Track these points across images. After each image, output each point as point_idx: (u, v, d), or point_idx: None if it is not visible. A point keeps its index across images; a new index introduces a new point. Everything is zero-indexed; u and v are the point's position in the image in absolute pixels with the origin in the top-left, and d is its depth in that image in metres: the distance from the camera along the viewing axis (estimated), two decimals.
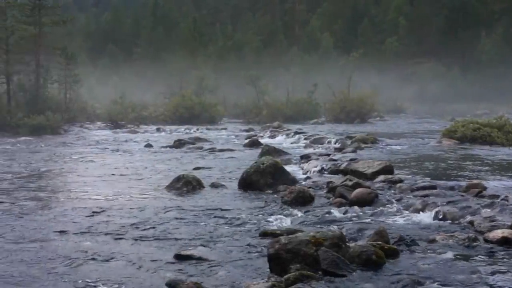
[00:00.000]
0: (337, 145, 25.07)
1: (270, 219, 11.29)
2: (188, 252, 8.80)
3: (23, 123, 41.83)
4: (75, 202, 13.89)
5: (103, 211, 12.56)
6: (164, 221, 11.36)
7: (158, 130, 44.03)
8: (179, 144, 29.02)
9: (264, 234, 9.82)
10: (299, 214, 11.66)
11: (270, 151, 21.95)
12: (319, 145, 26.61)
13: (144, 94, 70.68)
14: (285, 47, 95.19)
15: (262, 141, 29.93)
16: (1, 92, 49.67)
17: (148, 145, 29.53)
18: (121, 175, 19.14)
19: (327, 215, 11.31)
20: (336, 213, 11.42)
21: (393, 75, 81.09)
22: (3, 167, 21.82)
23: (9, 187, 16.67)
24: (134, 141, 33.60)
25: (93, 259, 8.78)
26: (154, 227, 10.86)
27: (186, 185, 15.22)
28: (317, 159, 19.61)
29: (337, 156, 20.40)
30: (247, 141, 30.18)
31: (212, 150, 26.20)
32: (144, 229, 10.70)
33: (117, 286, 7.48)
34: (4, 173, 19.95)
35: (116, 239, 10.05)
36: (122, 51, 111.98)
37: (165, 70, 77.21)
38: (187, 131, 42.33)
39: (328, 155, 20.88)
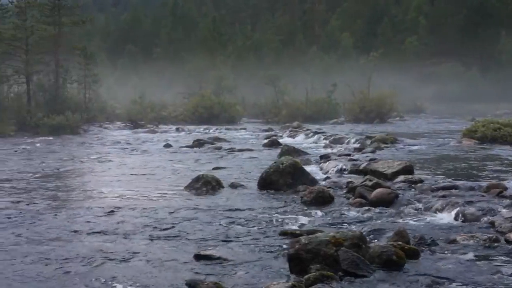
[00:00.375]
0: (357, 145, 25.00)
1: (289, 219, 11.27)
2: (207, 252, 8.80)
3: (43, 123, 42.01)
4: (94, 202, 13.95)
5: (122, 210, 12.62)
6: (183, 220, 11.38)
7: (177, 130, 44.06)
8: (198, 144, 29.03)
9: (284, 234, 9.83)
10: (319, 214, 11.64)
11: (290, 151, 21.86)
12: (339, 145, 26.54)
13: (163, 94, 70.60)
14: (304, 47, 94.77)
15: (281, 141, 29.86)
16: (21, 92, 50.02)
17: (167, 145, 29.55)
18: (140, 175, 19.18)
19: (346, 215, 11.29)
20: (356, 213, 11.39)
21: (413, 75, 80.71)
22: (22, 166, 21.95)
23: (28, 186, 16.78)
24: (153, 141, 33.63)
25: (112, 258, 8.81)
26: (173, 227, 10.89)
27: (205, 185, 15.19)
28: (337, 159, 19.52)
29: (357, 156, 20.36)
30: (266, 141, 30.14)
31: (231, 150, 26.20)
32: (164, 229, 10.73)
33: (136, 285, 7.50)
34: (24, 172, 20.07)
35: (135, 238, 10.08)
36: (141, 51, 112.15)
37: (184, 70, 77.21)
38: (206, 131, 42.33)
39: (348, 155, 20.83)
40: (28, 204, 13.63)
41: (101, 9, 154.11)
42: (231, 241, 9.72)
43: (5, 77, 48.68)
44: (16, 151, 28.91)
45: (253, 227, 10.77)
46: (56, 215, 12.26)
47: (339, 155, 20.85)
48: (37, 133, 40.55)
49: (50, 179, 18.37)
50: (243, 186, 15.64)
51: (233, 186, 15.60)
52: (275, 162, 16.20)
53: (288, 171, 15.22)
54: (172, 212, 12.30)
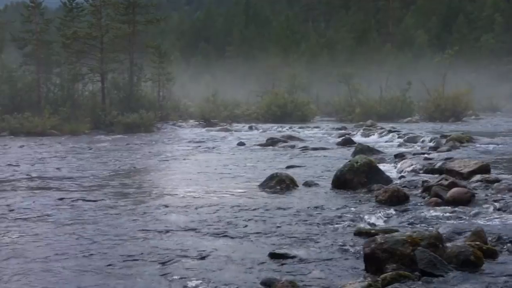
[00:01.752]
0: (432, 144, 24.74)
1: (364, 218, 11.19)
2: (282, 251, 8.83)
3: (117, 121, 42.86)
4: (168, 200, 14.12)
5: (195, 208, 12.74)
6: (257, 219, 11.42)
7: (250, 128, 44.37)
8: (271, 142, 29.13)
9: (359, 233, 9.78)
10: (394, 213, 11.53)
11: (364, 149, 21.69)
12: (413, 144, 26.41)
13: (236, 92, 70.99)
14: (378, 45, 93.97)
15: (355, 139, 29.80)
16: (95, 90, 50.97)
17: (241, 143, 29.77)
18: (213, 173, 19.33)
19: (422, 214, 11.15)
20: (432, 212, 11.24)
21: (489, 72, 79.27)
22: (97, 164, 22.42)
23: (102, 183, 17.15)
24: (227, 139, 33.99)
25: (186, 256, 8.90)
26: (247, 226, 10.93)
27: (279, 183, 15.22)
28: (412, 158, 19.33)
29: (432, 155, 20.15)
30: (340, 139, 30.11)
31: (305, 149, 26.22)
32: (237, 228, 10.77)
33: (212, 284, 7.55)
34: (98, 170, 20.52)
35: (209, 236, 10.17)
36: (214, 49, 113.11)
37: (257, 68, 77.52)
38: (280, 129, 42.48)
39: (423, 154, 20.67)
40: (102, 201, 13.92)
41: (174, 7, 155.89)
42: (305, 240, 9.72)
43: (80, 76, 49.70)
44: (91, 149, 29.54)
45: (328, 226, 10.74)
46: (130, 212, 12.49)
47: (414, 154, 20.69)
48: (111, 131, 41.41)
49: (126, 177, 18.75)
50: (317, 185, 15.63)
51: (307, 184, 15.60)
52: (349, 161, 16.12)
53: (363, 170, 15.15)
54: (246, 211, 12.35)
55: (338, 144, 28.23)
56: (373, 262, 7.54)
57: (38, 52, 49.60)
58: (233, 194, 14.77)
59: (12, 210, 12.84)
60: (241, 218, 11.59)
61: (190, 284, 7.57)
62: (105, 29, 49.42)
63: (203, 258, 8.80)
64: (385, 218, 11.19)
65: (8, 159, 24.23)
